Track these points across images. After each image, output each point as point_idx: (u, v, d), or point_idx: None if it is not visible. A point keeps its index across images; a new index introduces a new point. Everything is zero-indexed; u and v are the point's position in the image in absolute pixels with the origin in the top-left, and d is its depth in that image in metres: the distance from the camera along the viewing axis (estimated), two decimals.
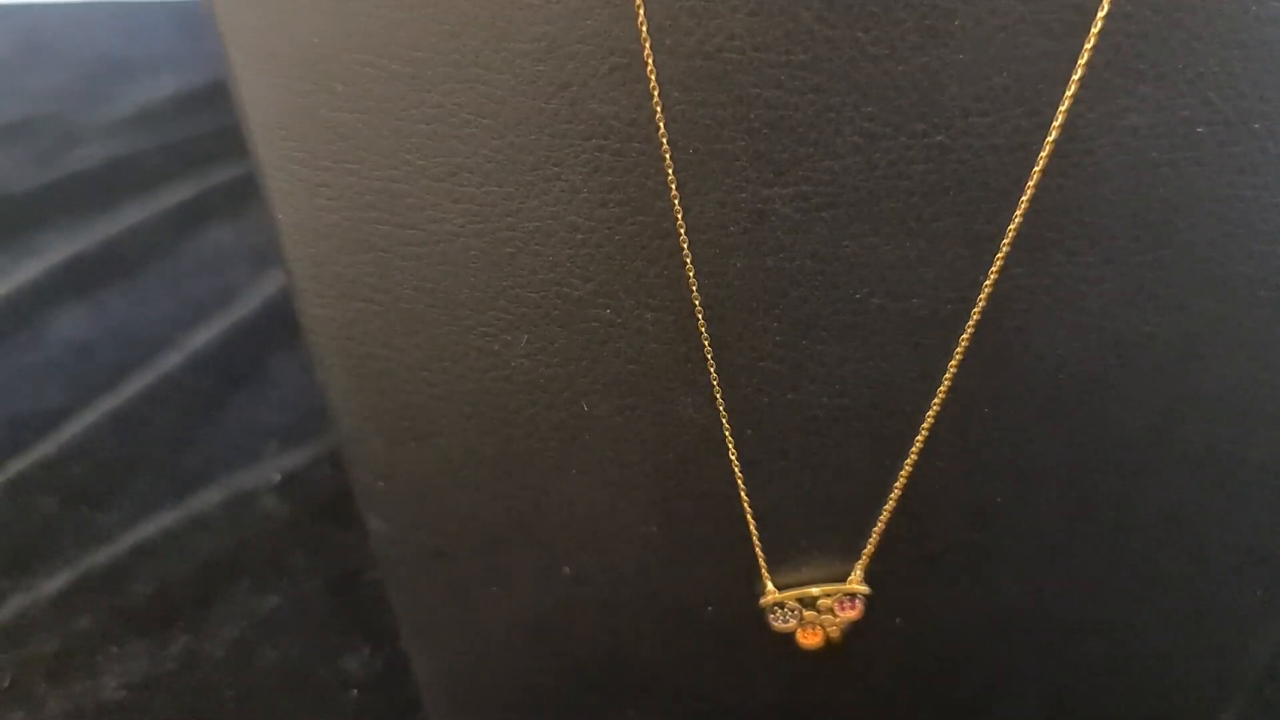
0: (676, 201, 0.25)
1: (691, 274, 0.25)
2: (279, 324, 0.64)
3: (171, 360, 0.60)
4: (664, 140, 0.24)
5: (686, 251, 0.25)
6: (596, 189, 0.25)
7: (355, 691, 0.43)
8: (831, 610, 0.31)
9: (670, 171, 0.24)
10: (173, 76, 0.92)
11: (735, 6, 0.23)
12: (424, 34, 0.25)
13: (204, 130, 0.84)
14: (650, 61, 0.23)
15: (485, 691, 0.34)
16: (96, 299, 0.66)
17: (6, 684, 0.43)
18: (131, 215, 0.74)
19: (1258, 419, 0.28)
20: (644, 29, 0.23)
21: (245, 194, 0.77)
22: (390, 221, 0.26)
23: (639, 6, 0.23)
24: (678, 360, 0.27)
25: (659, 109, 0.24)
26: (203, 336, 0.62)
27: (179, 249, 0.72)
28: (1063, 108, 0.24)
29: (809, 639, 0.31)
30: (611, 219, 0.25)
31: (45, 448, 0.54)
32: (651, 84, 0.24)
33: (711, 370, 0.27)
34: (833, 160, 0.24)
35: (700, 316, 0.26)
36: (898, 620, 0.32)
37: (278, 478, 0.52)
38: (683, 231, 0.25)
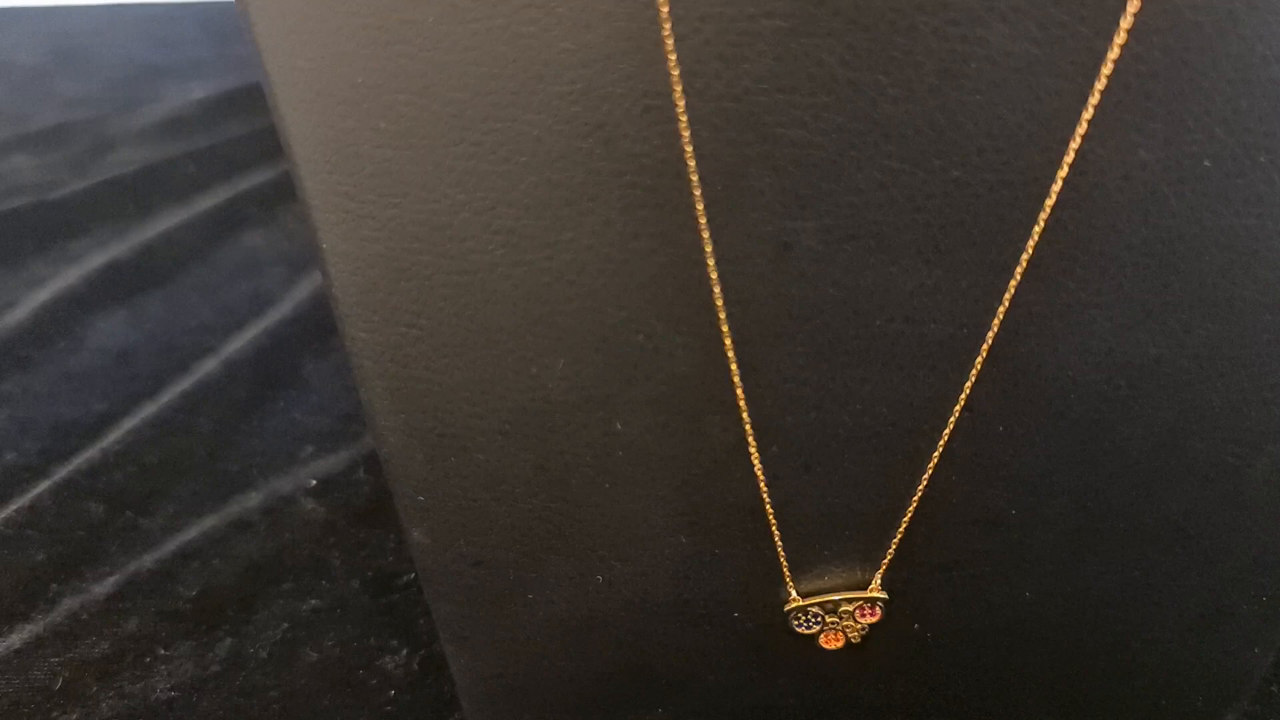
0: (706, 234, 0.25)
1: (720, 302, 0.26)
2: (312, 329, 0.64)
3: (208, 366, 0.61)
4: (694, 177, 0.25)
5: (715, 281, 0.26)
6: (630, 223, 0.26)
7: (393, 691, 0.44)
8: (852, 615, 0.32)
9: (700, 206, 0.25)
10: (202, 81, 0.93)
11: (762, 51, 0.24)
12: (465, 76, 0.25)
13: (234, 135, 0.85)
14: (681, 103, 0.24)
15: (523, 692, 0.36)
16: (134, 305, 0.67)
17: (59, 685, 0.44)
18: (166, 221, 0.75)
19: (1260, 434, 0.29)
20: (675, 73, 0.24)
21: (276, 199, 0.78)
22: (432, 252, 0.27)
23: (670, 51, 0.24)
24: (707, 382, 0.28)
25: (689, 147, 0.25)
26: (238, 342, 0.63)
27: (213, 255, 0.73)
28: (1074, 144, 0.24)
29: (830, 642, 0.32)
30: (644, 250, 0.26)
31: (89, 453, 0.55)
32: (682, 124, 0.24)
33: (739, 391, 0.28)
34: (854, 195, 0.25)
35: (728, 341, 0.27)
36: (915, 625, 0.33)
37: (313, 482, 0.53)
38: (711, 262, 0.26)
